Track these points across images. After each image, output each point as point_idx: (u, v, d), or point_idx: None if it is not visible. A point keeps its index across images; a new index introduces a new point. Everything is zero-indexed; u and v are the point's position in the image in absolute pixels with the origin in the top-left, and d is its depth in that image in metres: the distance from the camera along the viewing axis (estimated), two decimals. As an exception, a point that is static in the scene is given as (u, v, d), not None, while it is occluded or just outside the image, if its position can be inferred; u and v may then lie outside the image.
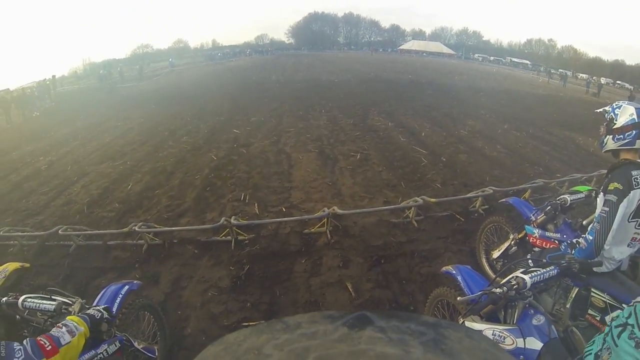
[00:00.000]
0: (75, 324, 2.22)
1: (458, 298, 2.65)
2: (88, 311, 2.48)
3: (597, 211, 2.82)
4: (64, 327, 2.14)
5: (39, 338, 1.98)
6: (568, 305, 2.91)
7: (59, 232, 6.00)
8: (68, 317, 2.30)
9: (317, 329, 0.79)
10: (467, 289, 2.98)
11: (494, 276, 2.95)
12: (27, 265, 4.22)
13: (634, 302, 1.66)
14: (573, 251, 3.09)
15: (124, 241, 6.07)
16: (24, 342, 1.91)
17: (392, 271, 5.17)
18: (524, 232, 4.06)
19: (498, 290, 2.40)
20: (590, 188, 4.28)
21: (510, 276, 2.48)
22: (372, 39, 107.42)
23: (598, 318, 2.75)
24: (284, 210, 7.08)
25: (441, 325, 0.84)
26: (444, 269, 3.42)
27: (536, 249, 3.84)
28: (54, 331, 2.11)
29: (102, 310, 2.57)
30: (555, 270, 2.50)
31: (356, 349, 0.71)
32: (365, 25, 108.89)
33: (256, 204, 7.31)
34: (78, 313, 2.46)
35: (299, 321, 0.84)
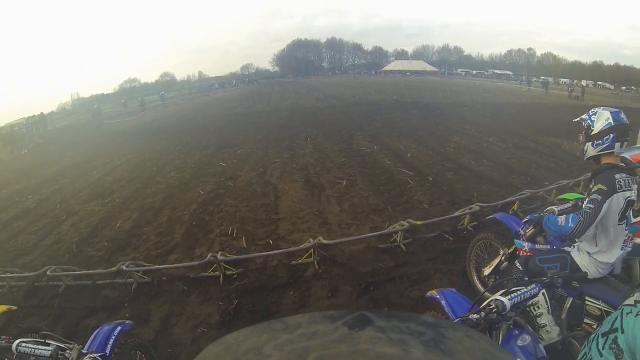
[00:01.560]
0: None
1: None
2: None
3: (583, 207, 2.88)
4: None
5: None
6: (563, 316, 2.92)
7: (48, 272, 5.98)
8: None
9: (317, 329, 0.80)
10: (451, 313, 2.96)
11: (482, 292, 2.95)
12: (15, 307, 4.23)
13: (621, 306, 1.69)
14: (545, 216, 3.18)
15: (113, 280, 6.04)
16: None
17: (381, 297, 5.18)
18: (514, 246, 4.07)
19: (475, 316, 2.38)
20: (579, 195, 4.32)
21: (489, 299, 2.48)
22: (356, 62, 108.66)
23: (595, 326, 2.75)
24: (271, 242, 7.07)
25: (441, 325, 0.85)
26: (428, 294, 3.41)
27: None
28: None
29: (99, 358, 2.57)
30: (537, 288, 2.52)
31: (356, 349, 0.72)
32: (348, 49, 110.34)
33: (244, 238, 7.30)
34: (76, 359, 2.46)
35: (299, 321, 0.84)
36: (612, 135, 2.91)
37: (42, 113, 33.09)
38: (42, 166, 17.24)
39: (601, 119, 2.98)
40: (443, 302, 3.12)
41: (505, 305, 2.35)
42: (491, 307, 2.38)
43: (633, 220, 2.94)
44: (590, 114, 3.08)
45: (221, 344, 0.83)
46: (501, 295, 2.47)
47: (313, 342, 0.75)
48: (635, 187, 2.90)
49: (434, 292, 3.32)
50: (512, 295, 2.43)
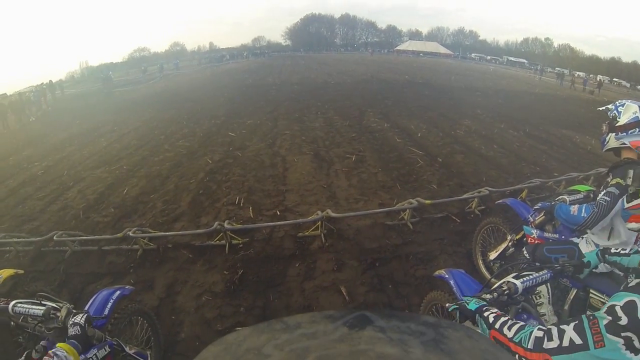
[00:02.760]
0: (66, 355, 2.21)
1: (447, 304, 2.62)
2: (72, 332, 2.44)
3: (598, 198, 2.82)
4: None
5: None
6: (566, 307, 2.86)
7: (54, 237, 6.00)
8: (58, 345, 2.27)
9: (317, 329, 0.80)
10: (460, 294, 2.93)
11: (489, 278, 2.91)
12: (21, 271, 4.25)
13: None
14: (557, 204, 3.11)
15: (119, 246, 6.07)
16: None
17: (386, 274, 5.15)
18: (522, 232, 4.01)
19: (488, 296, 2.35)
20: (589, 188, 4.23)
21: (502, 281, 2.43)
22: (369, 39, 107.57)
23: None
24: (278, 213, 7.05)
25: (441, 325, 0.85)
26: (436, 272, 3.38)
27: None
28: None
29: (83, 323, 2.53)
30: (549, 274, 2.45)
31: (356, 349, 0.72)
32: (362, 26, 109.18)
33: (251, 208, 7.29)
34: (64, 317, 2.45)
35: (299, 321, 0.85)
36: (638, 129, 2.83)
37: (50, 81, 33.11)
38: (50, 133, 17.28)
39: (628, 111, 2.89)
40: (452, 282, 3.09)
41: (518, 288, 2.29)
42: (503, 288, 2.33)
43: (626, 205, 2.84)
44: (617, 104, 2.99)
45: (221, 344, 0.83)
46: (513, 278, 2.41)
47: (313, 342, 0.76)
48: None
49: (442, 272, 3.29)
50: (524, 279, 2.37)
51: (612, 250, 2.19)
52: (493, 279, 2.66)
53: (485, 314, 1.86)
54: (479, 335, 0.88)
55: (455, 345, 0.78)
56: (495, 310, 1.92)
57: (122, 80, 41.64)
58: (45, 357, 2.15)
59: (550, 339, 1.47)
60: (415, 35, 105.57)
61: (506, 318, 1.77)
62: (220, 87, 29.04)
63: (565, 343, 1.43)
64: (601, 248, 2.33)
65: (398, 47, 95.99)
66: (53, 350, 2.21)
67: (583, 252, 3.09)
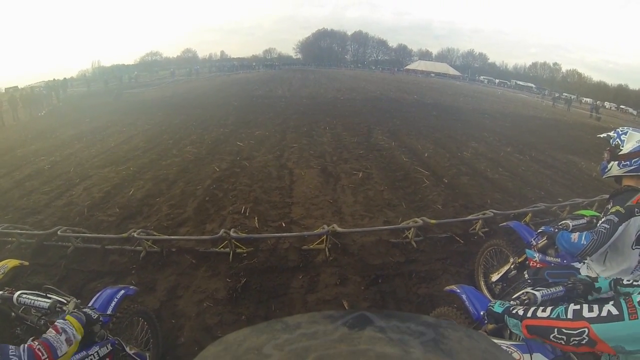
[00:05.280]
0: (74, 331, 2.19)
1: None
2: (85, 310, 2.46)
3: (597, 226, 2.80)
4: (63, 334, 2.10)
5: (35, 345, 1.94)
6: None
7: (58, 232, 6.03)
8: (67, 317, 2.26)
9: (317, 329, 0.80)
10: (473, 308, 2.98)
11: (492, 299, 2.91)
12: (26, 263, 4.27)
13: None
14: (559, 232, 3.10)
15: (122, 246, 6.08)
16: (21, 348, 1.89)
17: (389, 291, 5.15)
18: (525, 256, 4.02)
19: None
20: (594, 213, 4.22)
21: (521, 292, 2.45)
22: (379, 57, 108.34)
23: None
24: (283, 225, 7.06)
25: (441, 325, 0.85)
26: (447, 287, 3.42)
27: None
28: (52, 337, 2.05)
29: (97, 312, 2.56)
30: (563, 291, 2.47)
31: (356, 349, 0.72)
32: (373, 44, 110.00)
33: (256, 218, 7.29)
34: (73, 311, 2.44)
35: (299, 321, 0.85)
36: None
37: (64, 78, 33.54)
38: (58, 129, 17.40)
39: (632, 140, 2.85)
40: (464, 297, 3.14)
41: (537, 298, 2.31)
42: (523, 299, 2.34)
43: None
44: (620, 132, 2.94)
45: (221, 344, 0.83)
46: (531, 289, 2.42)
47: (313, 342, 0.76)
48: None
49: (453, 287, 3.34)
50: (543, 291, 2.38)
51: (625, 282, 2.19)
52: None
53: (514, 311, 2.01)
54: (479, 335, 0.89)
55: (455, 345, 0.78)
56: (522, 307, 2.05)
57: (133, 82, 42.07)
58: (51, 331, 2.14)
59: (590, 310, 1.61)
60: (425, 56, 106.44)
61: (535, 307, 1.95)
62: (229, 96, 29.24)
63: (604, 314, 1.55)
64: (614, 278, 2.32)
65: (408, 67, 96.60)
66: (61, 324, 2.19)
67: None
